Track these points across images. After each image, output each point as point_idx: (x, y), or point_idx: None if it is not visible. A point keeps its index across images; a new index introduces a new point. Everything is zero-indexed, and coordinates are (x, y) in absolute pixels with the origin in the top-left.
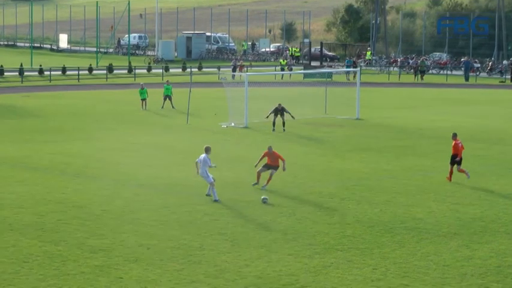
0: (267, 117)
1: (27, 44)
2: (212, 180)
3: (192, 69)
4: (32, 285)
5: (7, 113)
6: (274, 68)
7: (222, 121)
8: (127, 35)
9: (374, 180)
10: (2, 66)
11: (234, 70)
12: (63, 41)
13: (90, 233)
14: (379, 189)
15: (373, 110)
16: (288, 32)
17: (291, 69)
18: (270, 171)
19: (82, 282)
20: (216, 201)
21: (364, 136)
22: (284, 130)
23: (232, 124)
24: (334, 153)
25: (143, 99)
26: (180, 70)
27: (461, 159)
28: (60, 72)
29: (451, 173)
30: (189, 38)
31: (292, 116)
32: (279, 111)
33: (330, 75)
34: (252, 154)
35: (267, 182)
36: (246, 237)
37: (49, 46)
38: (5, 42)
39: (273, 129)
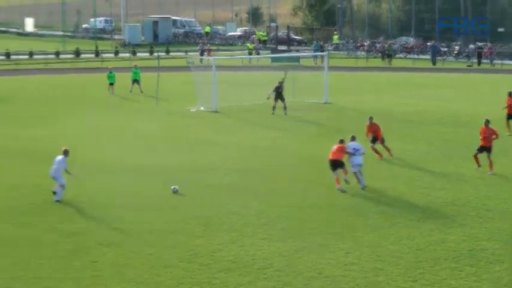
0: (268, 98)
1: None
2: (64, 183)
3: (160, 54)
4: (6, 269)
5: None
6: (241, 52)
7: (191, 105)
8: (93, 19)
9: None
10: None
11: (201, 54)
12: (29, 24)
13: (62, 217)
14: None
15: (341, 94)
16: (255, 16)
17: (258, 53)
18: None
19: (56, 266)
20: (57, 201)
21: (334, 120)
22: (286, 114)
23: (201, 108)
24: (306, 137)
25: (111, 84)
26: (148, 54)
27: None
28: (27, 56)
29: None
30: (155, 22)
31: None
32: (279, 88)
33: (297, 59)
34: (221, 138)
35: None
36: (219, 221)
37: (15, 30)
38: None
39: (273, 112)
